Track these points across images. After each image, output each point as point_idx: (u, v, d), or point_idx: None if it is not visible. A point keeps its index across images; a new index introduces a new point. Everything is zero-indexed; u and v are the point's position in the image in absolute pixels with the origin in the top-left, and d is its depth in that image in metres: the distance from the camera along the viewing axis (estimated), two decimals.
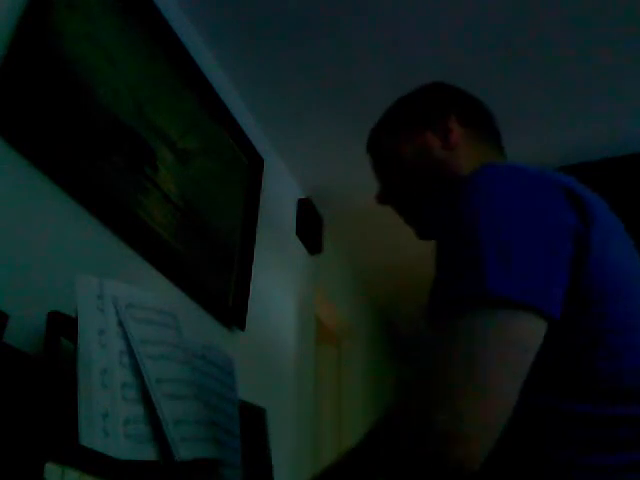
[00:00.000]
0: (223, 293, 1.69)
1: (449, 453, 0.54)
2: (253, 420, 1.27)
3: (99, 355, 0.81)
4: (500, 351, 0.56)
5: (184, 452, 0.82)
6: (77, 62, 1.23)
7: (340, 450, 2.69)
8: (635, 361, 0.64)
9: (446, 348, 0.58)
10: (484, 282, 0.58)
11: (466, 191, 0.66)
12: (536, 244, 0.61)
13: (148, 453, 0.80)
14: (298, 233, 2.39)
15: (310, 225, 2.45)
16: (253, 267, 1.87)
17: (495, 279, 0.58)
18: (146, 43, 1.50)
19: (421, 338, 0.63)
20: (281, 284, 2.18)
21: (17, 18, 1.11)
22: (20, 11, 1.12)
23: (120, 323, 0.87)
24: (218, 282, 1.67)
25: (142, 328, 0.90)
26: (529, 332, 0.58)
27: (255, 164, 2.00)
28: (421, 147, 0.91)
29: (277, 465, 1.33)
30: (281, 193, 2.29)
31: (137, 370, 0.85)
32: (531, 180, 0.67)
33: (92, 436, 0.74)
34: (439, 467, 0.54)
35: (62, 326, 0.88)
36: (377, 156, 1.02)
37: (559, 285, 0.61)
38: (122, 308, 0.89)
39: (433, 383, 0.57)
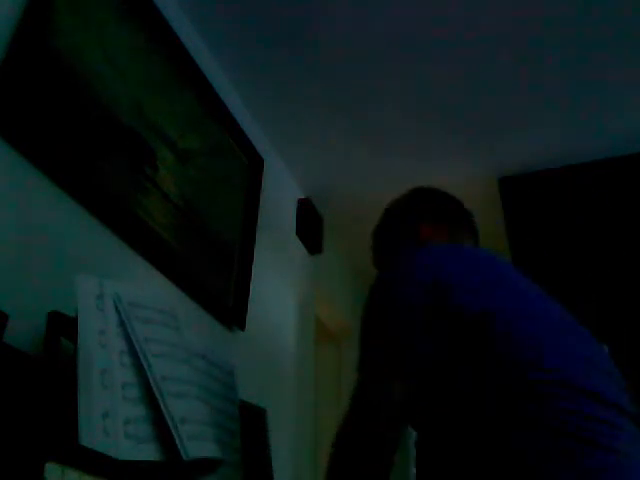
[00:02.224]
0: (223, 293, 1.69)
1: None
2: (253, 420, 1.27)
3: (99, 355, 0.81)
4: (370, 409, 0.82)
5: (191, 451, 0.82)
6: (77, 62, 1.23)
7: None
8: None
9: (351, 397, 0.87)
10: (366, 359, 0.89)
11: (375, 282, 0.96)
12: (402, 328, 0.86)
13: (148, 453, 0.80)
14: (298, 233, 2.39)
15: (310, 225, 2.45)
16: (253, 267, 1.87)
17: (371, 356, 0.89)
18: (146, 43, 1.50)
19: None
20: (281, 284, 2.18)
21: (17, 18, 1.11)
22: (20, 11, 1.12)
23: (121, 323, 0.87)
24: (218, 282, 1.67)
25: (145, 326, 0.90)
26: (391, 394, 0.81)
27: (255, 164, 2.00)
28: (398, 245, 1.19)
29: (277, 465, 1.33)
30: (281, 193, 2.29)
31: (138, 369, 0.85)
32: (398, 274, 0.92)
33: (92, 436, 0.74)
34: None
35: (62, 326, 0.88)
36: (374, 248, 1.27)
37: (415, 356, 0.83)
38: (124, 307, 0.89)
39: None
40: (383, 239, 1.24)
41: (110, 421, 0.77)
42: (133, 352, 0.86)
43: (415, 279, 0.88)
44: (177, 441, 0.81)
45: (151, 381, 0.84)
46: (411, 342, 0.84)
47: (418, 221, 1.17)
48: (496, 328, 0.79)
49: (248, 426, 1.17)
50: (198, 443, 0.85)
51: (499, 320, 0.80)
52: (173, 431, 0.82)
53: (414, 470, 0.86)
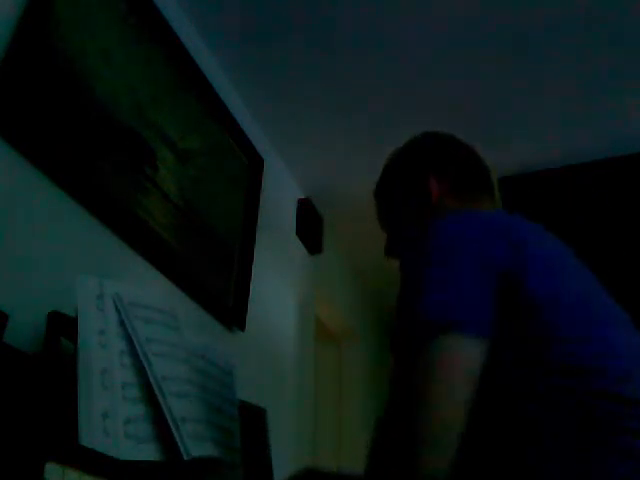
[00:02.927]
0: (223, 293, 1.69)
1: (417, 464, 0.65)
2: (253, 420, 1.27)
3: (99, 355, 0.81)
4: (441, 373, 0.68)
5: (192, 449, 0.82)
6: (77, 62, 1.23)
7: (339, 451, 2.68)
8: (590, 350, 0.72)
9: (401, 373, 0.73)
10: (425, 316, 0.71)
11: (423, 239, 0.81)
12: (469, 283, 0.73)
13: (149, 453, 0.80)
14: (298, 233, 2.39)
15: (310, 225, 2.45)
16: (253, 267, 1.87)
17: (432, 311, 0.71)
18: (146, 43, 1.50)
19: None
20: (281, 284, 2.18)
21: (17, 18, 1.11)
22: (20, 11, 1.12)
23: (121, 323, 0.87)
24: (218, 282, 1.67)
25: (145, 326, 0.90)
26: (466, 351, 0.69)
27: (255, 164, 2.00)
28: (408, 207, 1.05)
29: (277, 465, 1.33)
30: (281, 193, 2.29)
31: (138, 369, 0.85)
32: (468, 227, 0.80)
33: (92, 436, 0.74)
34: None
35: (62, 326, 0.88)
36: (379, 206, 1.16)
37: (486, 311, 0.72)
38: (124, 306, 0.89)
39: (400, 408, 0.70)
40: (387, 199, 1.11)
41: (110, 421, 0.77)
42: (133, 352, 0.86)
43: (495, 235, 0.78)
44: (177, 441, 0.81)
45: (151, 381, 0.84)
46: (485, 300, 0.73)
47: (425, 175, 1.02)
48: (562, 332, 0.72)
49: (248, 426, 1.17)
50: (198, 443, 0.85)
51: (565, 324, 0.73)
52: (173, 431, 0.82)
53: None
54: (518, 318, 0.73)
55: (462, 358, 0.69)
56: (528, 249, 0.77)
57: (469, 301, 0.72)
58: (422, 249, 0.79)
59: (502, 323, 0.72)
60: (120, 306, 0.89)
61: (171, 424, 0.82)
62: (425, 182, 1.01)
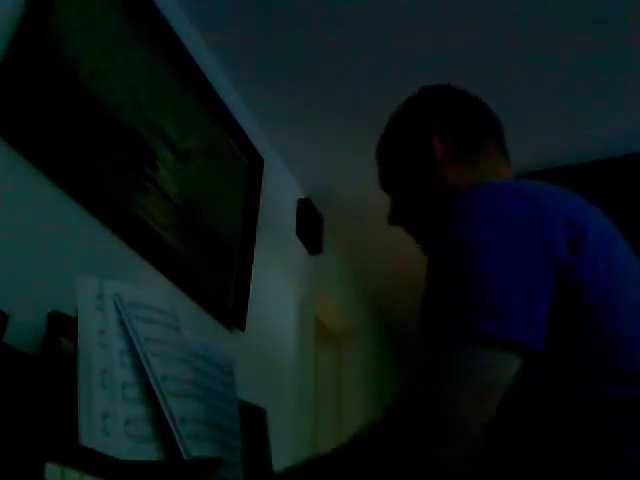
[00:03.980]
0: (223, 293, 1.69)
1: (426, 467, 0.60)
2: (253, 420, 1.27)
3: (99, 355, 0.81)
4: (474, 385, 0.61)
5: (191, 449, 0.82)
6: (77, 62, 1.23)
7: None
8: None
9: (424, 374, 0.64)
10: (466, 317, 0.62)
11: (452, 218, 0.69)
12: (517, 281, 0.64)
13: (149, 453, 0.80)
14: (298, 233, 2.39)
15: (310, 225, 2.45)
16: (253, 267, 1.87)
17: (474, 315, 0.61)
18: (146, 43, 1.50)
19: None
20: (281, 284, 2.18)
21: (17, 18, 1.11)
22: (20, 11, 1.12)
23: (121, 322, 0.87)
24: (218, 282, 1.67)
25: (145, 326, 0.90)
26: (505, 367, 0.62)
27: (255, 164, 2.00)
28: (412, 168, 0.95)
29: (277, 465, 1.33)
30: (281, 193, 2.29)
31: (138, 369, 0.85)
32: (518, 208, 0.69)
33: (92, 436, 0.74)
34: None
35: (62, 326, 0.88)
36: (381, 170, 1.06)
37: (539, 320, 0.63)
38: (124, 306, 0.89)
39: (412, 408, 0.62)
40: (389, 161, 1.01)
41: (110, 421, 0.77)
42: (133, 352, 0.86)
43: (547, 220, 0.67)
44: (177, 441, 0.81)
45: (151, 381, 0.84)
46: (542, 307, 0.64)
47: (426, 131, 0.92)
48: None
49: (248, 426, 1.17)
50: (198, 443, 0.85)
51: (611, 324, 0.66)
52: (173, 431, 0.82)
53: None
54: (571, 322, 0.66)
55: (506, 375, 0.62)
56: (588, 237, 0.67)
57: (526, 313, 0.62)
58: (457, 226, 0.68)
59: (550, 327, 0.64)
60: (120, 306, 0.89)
61: (171, 424, 0.82)
62: (428, 139, 0.92)
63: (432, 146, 0.91)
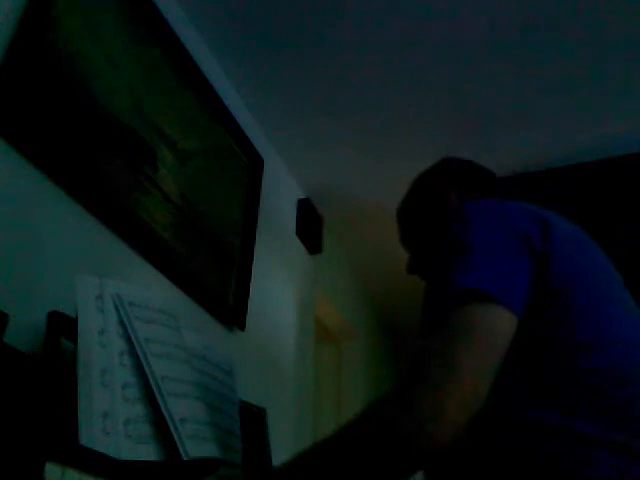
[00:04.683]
0: (223, 293, 1.69)
1: (422, 428, 0.59)
2: (253, 420, 1.27)
3: (99, 355, 0.81)
4: (471, 337, 0.64)
5: (191, 450, 0.82)
6: (77, 62, 1.23)
7: None
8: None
9: (426, 341, 0.67)
10: (459, 281, 0.68)
11: (448, 220, 0.80)
12: (503, 255, 0.72)
13: (149, 453, 0.80)
14: (298, 233, 2.39)
15: (310, 225, 2.45)
16: (253, 267, 1.87)
17: (467, 278, 0.68)
18: (146, 43, 1.50)
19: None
20: (281, 284, 2.18)
21: (17, 18, 1.11)
22: (20, 11, 1.12)
23: (121, 322, 0.87)
24: (218, 282, 1.67)
25: (145, 326, 0.90)
26: (498, 321, 0.66)
27: (255, 164, 2.00)
28: (433, 223, 1.09)
29: (277, 465, 1.33)
30: (281, 193, 2.29)
31: (138, 369, 0.85)
32: (499, 208, 0.79)
33: (92, 436, 0.74)
34: (411, 446, 0.59)
35: (62, 326, 0.88)
36: (402, 226, 1.18)
37: (521, 288, 0.70)
38: (124, 306, 0.89)
39: (415, 370, 0.64)
40: (411, 219, 1.13)
41: (110, 421, 0.77)
42: (133, 352, 0.86)
43: (527, 216, 0.77)
44: (177, 441, 0.81)
45: (151, 381, 0.84)
46: (519, 271, 0.71)
47: (447, 189, 1.08)
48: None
49: (248, 426, 1.18)
50: (198, 443, 0.85)
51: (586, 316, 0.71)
52: (173, 431, 0.82)
53: None
54: (543, 304, 0.71)
55: (500, 327, 0.66)
56: (554, 232, 0.76)
57: (509, 276, 0.69)
58: (452, 227, 0.77)
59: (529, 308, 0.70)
60: (120, 306, 0.89)
61: (170, 424, 0.82)
62: (447, 198, 1.07)
63: (449, 202, 1.06)
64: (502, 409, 0.69)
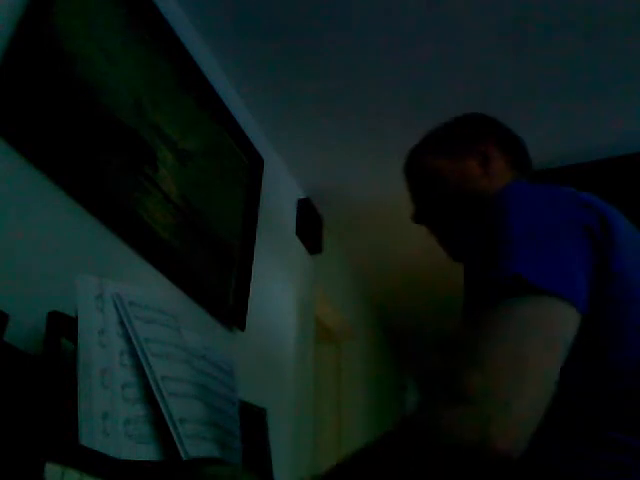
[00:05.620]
0: (223, 293, 1.69)
1: (492, 441, 0.51)
2: (253, 420, 1.27)
3: (99, 355, 0.81)
4: (538, 335, 0.56)
5: (190, 450, 0.82)
6: (77, 62, 1.23)
7: (339, 451, 2.68)
8: None
9: (486, 336, 0.57)
10: (523, 273, 0.59)
11: (495, 201, 0.70)
12: (563, 247, 0.63)
13: (149, 453, 0.80)
14: (298, 233, 2.39)
15: (310, 225, 2.45)
16: (253, 267, 1.87)
17: (530, 271, 0.59)
18: (147, 43, 1.50)
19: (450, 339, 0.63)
20: (281, 284, 2.18)
21: (17, 18, 1.11)
22: (20, 11, 1.12)
23: (121, 322, 0.87)
24: (218, 282, 1.67)
25: (145, 326, 0.90)
26: (563, 318, 0.59)
27: (255, 164, 2.00)
28: (462, 173, 0.95)
29: (277, 465, 1.33)
30: (281, 193, 2.29)
31: (138, 369, 0.85)
32: (554, 192, 0.71)
33: (92, 436, 0.74)
34: (477, 458, 0.51)
35: (62, 326, 0.88)
36: (415, 176, 1.03)
37: (583, 284, 0.63)
38: (124, 306, 0.89)
39: (476, 370, 0.54)
40: (428, 169, 0.98)
41: (110, 421, 0.77)
42: (133, 352, 0.86)
43: (580, 204, 0.69)
44: (176, 441, 0.81)
45: (151, 381, 0.84)
46: (581, 262, 0.63)
47: (488, 147, 0.95)
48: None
49: (248, 426, 1.17)
50: (198, 443, 0.85)
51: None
52: (172, 431, 0.82)
53: None
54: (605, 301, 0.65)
55: (569, 324, 0.59)
56: (614, 224, 0.68)
57: (575, 272, 0.62)
58: (496, 216, 0.67)
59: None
60: (120, 306, 0.89)
61: (170, 424, 0.82)
62: (484, 149, 0.95)
63: (489, 156, 0.95)
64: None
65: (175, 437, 0.81)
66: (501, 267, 0.60)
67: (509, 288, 0.59)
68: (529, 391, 0.53)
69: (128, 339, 0.87)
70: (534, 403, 0.53)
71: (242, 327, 1.75)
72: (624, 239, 0.68)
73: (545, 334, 0.57)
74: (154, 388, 0.84)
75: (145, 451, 0.79)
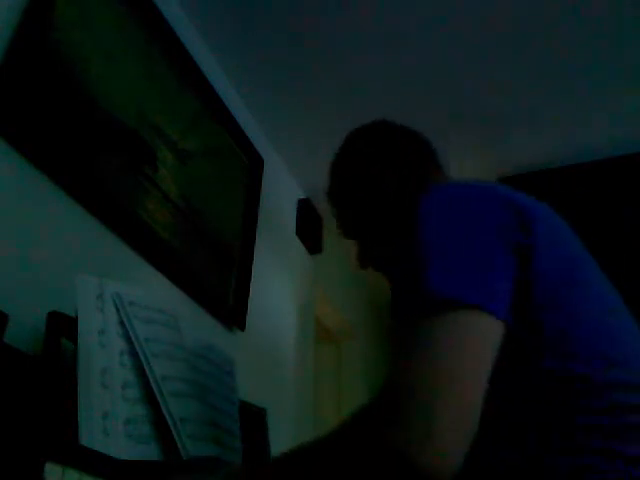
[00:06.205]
0: (223, 293, 1.69)
1: (424, 464, 0.53)
2: (253, 420, 1.27)
3: (99, 355, 0.81)
4: (459, 352, 0.57)
5: (191, 450, 0.82)
6: (77, 62, 1.23)
7: None
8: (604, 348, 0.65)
9: (409, 354, 0.59)
10: (434, 287, 0.60)
11: (412, 213, 0.70)
12: (477, 254, 0.63)
13: (149, 453, 0.80)
14: (298, 233, 2.39)
15: (310, 225, 2.45)
16: (253, 267, 1.87)
17: (444, 286, 0.60)
18: (147, 43, 1.50)
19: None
20: (281, 284, 2.18)
21: (17, 18, 1.11)
22: (20, 11, 1.12)
23: (121, 322, 0.87)
24: (218, 282, 1.67)
25: (145, 326, 0.90)
26: (483, 330, 0.59)
27: (255, 164, 2.00)
28: (390, 182, 0.97)
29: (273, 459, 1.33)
30: (281, 193, 2.29)
31: (138, 369, 0.85)
32: (469, 193, 0.71)
33: (92, 436, 0.74)
34: (409, 469, 0.53)
35: (62, 326, 0.88)
36: (342, 185, 1.06)
37: (503, 289, 0.63)
38: (124, 306, 0.89)
39: (403, 394, 0.58)
40: (350, 201, 0.99)
41: (110, 421, 0.77)
42: (133, 352, 0.86)
43: (503, 202, 0.69)
44: (177, 440, 0.81)
45: (151, 381, 0.84)
46: (508, 278, 0.63)
47: (386, 169, 0.97)
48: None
49: (248, 426, 1.17)
50: (198, 443, 0.85)
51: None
52: (173, 430, 0.82)
53: None
54: (529, 303, 0.64)
55: (489, 335, 0.59)
56: (537, 225, 0.68)
57: (492, 278, 0.62)
58: (420, 225, 0.68)
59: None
60: (120, 306, 0.89)
61: (170, 424, 0.82)
62: (391, 176, 0.97)
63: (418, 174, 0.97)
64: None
65: (176, 436, 0.81)
66: (417, 285, 0.62)
67: (427, 306, 0.60)
68: (451, 413, 0.54)
69: (128, 339, 0.87)
70: (459, 423, 0.54)
71: (242, 327, 1.75)
72: (549, 236, 0.68)
73: (467, 350, 0.57)
74: (154, 388, 0.84)
75: (145, 451, 0.79)
